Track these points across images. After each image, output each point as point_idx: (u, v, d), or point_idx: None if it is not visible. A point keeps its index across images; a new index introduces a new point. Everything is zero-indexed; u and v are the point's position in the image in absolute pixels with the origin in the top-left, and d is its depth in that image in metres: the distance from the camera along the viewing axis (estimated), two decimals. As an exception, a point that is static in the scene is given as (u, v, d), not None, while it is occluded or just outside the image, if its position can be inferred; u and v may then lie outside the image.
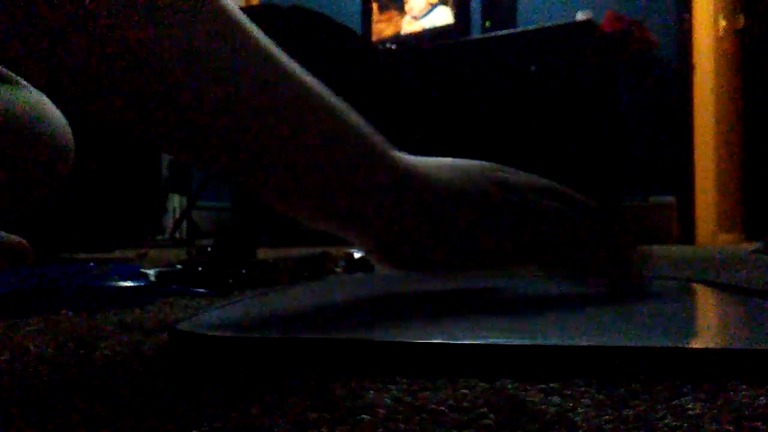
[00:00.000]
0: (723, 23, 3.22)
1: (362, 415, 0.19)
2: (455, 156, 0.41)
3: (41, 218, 0.90)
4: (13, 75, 0.72)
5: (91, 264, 0.49)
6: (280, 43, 0.32)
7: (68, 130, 0.77)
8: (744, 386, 0.22)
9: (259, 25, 0.31)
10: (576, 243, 0.39)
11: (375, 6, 3.52)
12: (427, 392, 0.21)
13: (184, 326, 0.28)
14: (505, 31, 3.04)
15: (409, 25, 3.41)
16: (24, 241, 0.69)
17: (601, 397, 0.21)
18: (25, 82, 0.73)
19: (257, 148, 0.30)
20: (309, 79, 0.33)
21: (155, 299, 0.46)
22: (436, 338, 0.26)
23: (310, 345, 0.26)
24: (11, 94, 0.69)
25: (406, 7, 3.42)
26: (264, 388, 0.22)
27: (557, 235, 0.38)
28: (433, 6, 3.36)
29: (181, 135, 0.29)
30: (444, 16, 3.32)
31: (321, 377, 0.23)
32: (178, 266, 0.55)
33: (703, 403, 0.20)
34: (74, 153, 0.77)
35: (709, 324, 0.35)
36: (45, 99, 0.75)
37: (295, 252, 0.72)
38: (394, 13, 3.48)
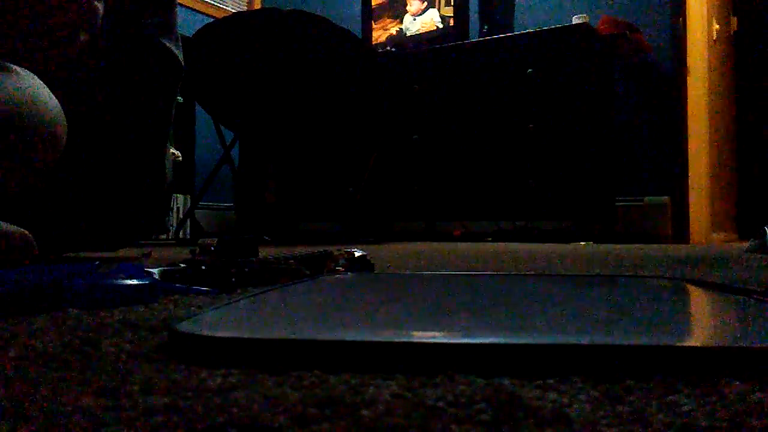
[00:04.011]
0: (716, 27, 3.23)
1: (362, 411, 0.19)
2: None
3: (46, 216, 0.90)
4: (4, 63, 0.72)
5: (96, 262, 0.50)
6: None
7: (61, 117, 0.76)
8: (737, 382, 0.22)
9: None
10: None
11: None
12: (426, 389, 0.22)
13: (183, 327, 0.28)
14: (502, 35, 3.06)
15: (409, 24, 3.42)
16: (27, 234, 0.69)
17: (596, 393, 0.21)
18: (19, 69, 0.73)
19: None
20: None
21: (159, 297, 0.46)
22: (434, 339, 0.26)
23: (307, 347, 0.26)
24: (1, 81, 0.69)
25: (408, 6, 3.44)
26: (264, 384, 0.23)
27: None
28: (425, 9, 3.40)
29: None
30: (435, 18, 3.36)
31: (321, 373, 0.24)
32: (182, 265, 0.55)
33: (696, 399, 0.20)
34: (65, 140, 0.77)
35: (700, 322, 0.35)
36: (38, 83, 0.75)
37: (297, 251, 0.72)
38: (388, 21, 3.51)
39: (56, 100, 0.76)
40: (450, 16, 3.32)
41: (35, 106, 0.72)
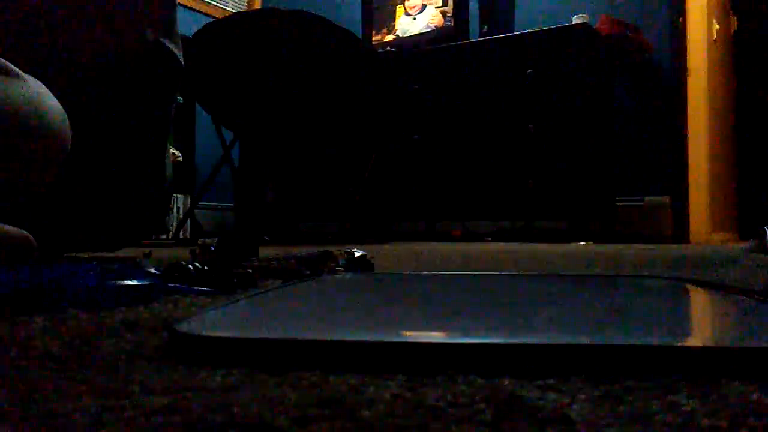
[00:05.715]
0: (716, 27, 3.23)
1: (362, 411, 0.19)
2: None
3: (46, 217, 0.90)
4: (12, 67, 0.73)
5: (96, 263, 0.50)
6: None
7: (65, 122, 0.77)
8: (737, 382, 0.22)
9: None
10: None
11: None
12: (426, 388, 0.22)
13: (183, 327, 0.28)
14: (502, 35, 3.06)
15: (407, 26, 3.42)
16: (28, 235, 0.70)
17: (596, 393, 0.21)
18: (23, 74, 0.74)
19: None
20: None
21: (159, 298, 0.46)
22: (434, 338, 0.26)
23: (307, 347, 0.26)
24: (7, 88, 0.69)
25: (406, 4, 3.44)
26: (264, 384, 0.23)
27: None
28: (425, 6, 3.40)
29: None
30: (434, 16, 3.36)
31: (321, 373, 0.24)
32: (183, 265, 0.55)
33: (696, 399, 0.20)
34: (70, 143, 0.77)
35: (700, 322, 0.35)
36: (43, 90, 0.75)
37: (297, 251, 0.72)
38: (384, 31, 3.53)
39: (61, 108, 0.77)
40: (443, 5, 3.32)
41: (41, 111, 0.72)
